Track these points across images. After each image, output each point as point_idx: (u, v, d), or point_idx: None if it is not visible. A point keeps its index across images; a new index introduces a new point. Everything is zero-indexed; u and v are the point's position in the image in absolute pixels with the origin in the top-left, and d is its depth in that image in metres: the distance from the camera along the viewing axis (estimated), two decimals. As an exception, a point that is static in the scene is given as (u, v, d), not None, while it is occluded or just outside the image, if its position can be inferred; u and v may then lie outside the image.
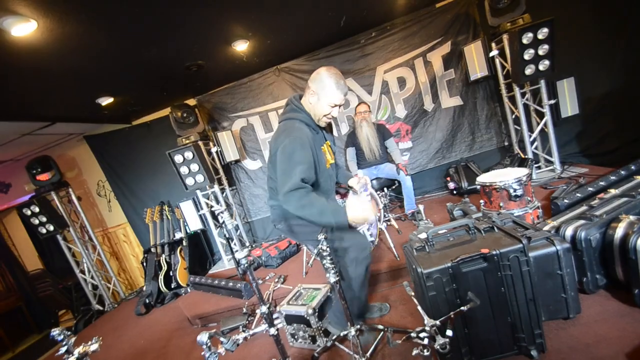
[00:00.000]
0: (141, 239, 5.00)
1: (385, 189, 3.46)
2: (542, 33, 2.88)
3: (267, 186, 1.90)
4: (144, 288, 4.15)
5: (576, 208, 2.07)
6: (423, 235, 1.70)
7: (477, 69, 3.49)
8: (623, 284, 1.69)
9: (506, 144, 3.91)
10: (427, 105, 3.98)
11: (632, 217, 1.69)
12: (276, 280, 3.07)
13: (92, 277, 4.64)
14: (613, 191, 2.07)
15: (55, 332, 1.32)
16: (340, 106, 1.69)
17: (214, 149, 4.05)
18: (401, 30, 3.80)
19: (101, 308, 4.61)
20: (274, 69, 4.10)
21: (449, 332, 1.12)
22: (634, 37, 3.17)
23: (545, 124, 3.29)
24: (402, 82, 3.97)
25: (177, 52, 2.88)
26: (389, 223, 3.37)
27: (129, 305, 4.42)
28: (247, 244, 4.40)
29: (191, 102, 4.30)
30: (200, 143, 3.83)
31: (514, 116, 3.57)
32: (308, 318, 2.08)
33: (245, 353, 2.35)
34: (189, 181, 3.72)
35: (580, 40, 3.38)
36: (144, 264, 4.28)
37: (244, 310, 2.79)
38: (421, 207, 3.21)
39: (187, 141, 3.81)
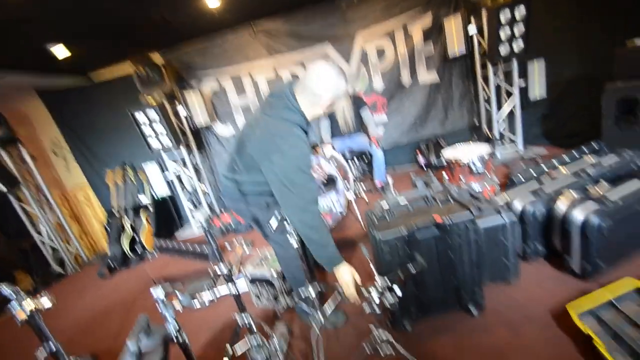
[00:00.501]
0: (104, 202, 4.79)
1: (356, 159, 3.50)
2: (520, 12, 2.89)
3: (229, 165, 1.67)
4: (108, 251, 4.05)
5: (530, 185, 2.20)
6: (385, 205, 1.75)
7: (456, 46, 3.47)
8: (559, 253, 1.86)
9: (476, 123, 4.02)
10: (405, 80, 3.96)
11: (575, 194, 1.82)
12: (244, 245, 3.09)
13: (50, 239, 4.46)
14: (563, 170, 2.22)
15: (2, 287, 1.26)
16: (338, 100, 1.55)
17: (182, 112, 3.84)
18: (384, -1, 3.66)
19: (62, 271, 4.47)
20: (249, 28, 3.85)
21: (398, 292, 1.19)
22: (607, 24, 3.26)
23: (513, 107, 3.40)
24: (381, 53, 3.89)
25: (138, 1, 2.60)
26: (358, 195, 3.45)
27: (92, 269, 4.31)
28: (217, 209, 4.35)
29: (158, 59, 3.99)
30: (166, 103, 3.61)
31: (485, 95, 3.65)
32: (272, 280, 2.14)
33: (211, 312, 2.40)
34: (154, 143, 3.55)
35: (555, 22, 3.43)
36: (107, 227, 4.14)
37: (210, 271, 2.82)
38: (390, 180, 3.29)
39: (152, 100, 3.57)
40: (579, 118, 3.53)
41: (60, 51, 3.13)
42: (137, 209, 4.16)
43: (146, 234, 4.00)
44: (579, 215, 1.67)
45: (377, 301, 1.27)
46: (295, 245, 1.63)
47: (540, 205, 1.88)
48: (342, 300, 1.65)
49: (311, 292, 1.81)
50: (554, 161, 2.49)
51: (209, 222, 1.25)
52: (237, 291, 1.44)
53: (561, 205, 1.81)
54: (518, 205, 1.94)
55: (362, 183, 3.73)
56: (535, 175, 2.42)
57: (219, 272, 1.44)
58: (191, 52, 3.99)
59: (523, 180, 2.41)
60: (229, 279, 1.43)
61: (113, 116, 4.25)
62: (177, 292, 1.29)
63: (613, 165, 2.10)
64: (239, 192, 1.65)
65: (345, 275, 1.43)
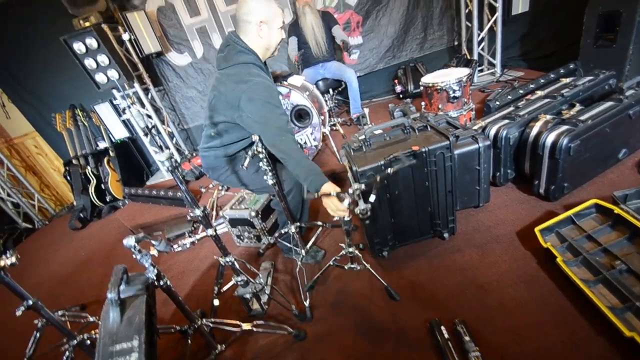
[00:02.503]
0: (58, 151, 4.38)
1: (331, 90, 3.29)
2: None
3: (205, 135, 1.67)
4: (75, 203, 3.86)
5: (505, 109, 2.18)
6: (362, 137, 1.67)
7: (438, -51, 3.04)
8: (528, 177, 1.94)
9: (456, 43, 3.79)
10: (382, -9, 3.51)
11: (548, 117, 1.82)
12: (220, 188, 3.01)
13: (8, 195, 4.15)
14: (539, 93, 2.18)
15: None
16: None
17: (125, 36, 3.27)
18: None
19: (30, 226, 4.30)
20: None
21: (372, 198, 1.16)
22: None
23: (494, 22, 3.18)
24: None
25: None
26: (333, 128, 3.32)
27: (62, 221, 4.17)
28: (187, 152, 4.12)
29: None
30: (105, 27, 3.04)
31: (467, 10, 3.36)
32: (252, 220, 2.13)
33: (194, 255, 2.43)
34: (100, 78, 3.09)
35: None
36: (68, 177, 3.87)
37: (188, 217, 2.77)
38: (366, 110, 3.16)
39: (87, 23, 2.99)
40: (558, 37, 3.39)
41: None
42: (97, 155, 3.85)
43: (112, 182, 3.79)
44: (549, 138, 1.69)
45: (347, 205, 1.24)
46: (271, 182, 1.58)
47: (513, 130, 1.88)
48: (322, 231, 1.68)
49: (292, 228, 1.84)
50: (531, 85, 2.44)
51: (173, 163, 1.13)
52: (217, 235, 1.40)
53: (534, 129, 1.81)
54: (492, 131, 1.93)
55: (337, 116, 3.58)
56: (511, 99, 2.39)
57: (194, 216, 1.39)
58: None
59: (499, 105, 2.38)
60: (206, 222, 1.38)
61: (43, 45, 3.59)
62: (151, 240, 1.23)
63: (587, 86, 2.09)
64: (223, 158, 1.67)
65: (328, 202, 1.37)
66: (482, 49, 3.50)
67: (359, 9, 3.59)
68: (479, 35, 3.34)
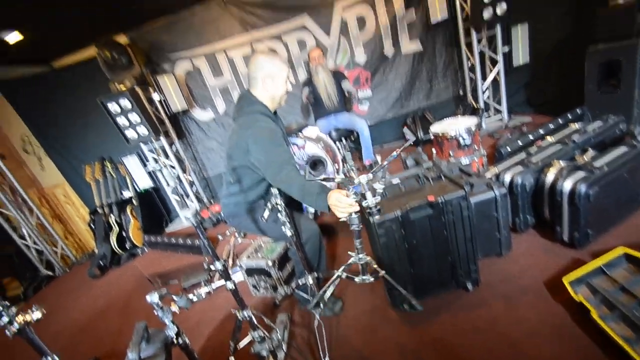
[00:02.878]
0: (85, 200, 4.61)
1: (343, 139, 3.43)
2: (502, -28, 2.77)
3: (225, 184, 1.85)
4: (96, 250, 3.96)
5: (517, 155, 2.21)
6: (378, 187, 1.72)
7: (438, 11, 3.35)
8: (549, 223, 1.90)
9: (461, 93, 3.97)
10: (387, 51, 3.81)
11: (562, 163, 1.84)
12: (237, 235, 3.05)
13: (34, 243, 4.31)
14: (549, 139, 2.23)
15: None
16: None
17: (155, 96, 3.60)
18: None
19: (51, 273, 4.36)
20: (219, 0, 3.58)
21: (380, 187, 1.34)
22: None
23: (497, 73, 3.36)
24: (361, 22, 3.70)
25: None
26: (347, 175, 3.41)
27: (81, 268, 4.23)
28: (205, 200, 4.26)
29: (123, 40, 3.69)
30: (138, 89, 3.37)
31: (469, 64, 3.58)
32: (268, 270, 2.13)
33: (210, 305, 2.40)
34: (130, 134, 3.35)
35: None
36: (92, 225, 4.01)
37: (205, 265, 2.78)
38: (379, 157, 3.26)
39: (122, 86, 3.34)
40: (562, 84, 3.53)
41: (13, 37, 2.85)
42: (121, 204, 4.02)
43: (134, 229, 3.90)
44: (567, 185, 1.69)
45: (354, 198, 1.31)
46: (289, 233, 1.62)
47: (529, 176, 1.89)
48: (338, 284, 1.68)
49: (309, 279, 1.82)
50: (540, 130, 2.50)
51: (197, 218, 1.20)
52: (235, 287, 1.41)
53: (549, 176, 1.82)
54: (507, 178, 1.95)
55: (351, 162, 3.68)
56: (521, 144, 2.44)
57: (214, 269, 1.41)
58: (157, 29, 3.69)
59: (510, 150, 2.42)
60: (226, 275, 1.40)
61: (82, 106, 3.97)
62: (172, 296, 1.26)
63: (597, 131, 2.12)
64: (243, 206, 1.79)
65: (335, 202, 1.37)
66: (488, 97, 3.64)
67: (367, 66, 3.89)
68: (482, 85, 3.50)
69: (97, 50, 3.25)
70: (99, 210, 4.02)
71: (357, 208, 1.34)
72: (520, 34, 3.22)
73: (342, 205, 1.32)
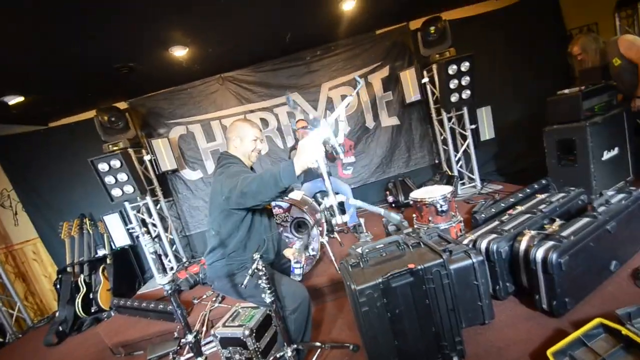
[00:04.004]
0: (55, 257, 4.34)
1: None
2: (465, 66, 3.25)
3: (208, 241, 1.91)
4: (57, 314, 3.60)
5: (491, 222, 2.33)
6: (359, 250, 1.76)
7: (412, 93, 3.80)
8: (527, 290, 1.93)
9: (437, 161, 4.30)
10: (369, 123, 4.20)
11: (532, 232, 1.95)
12: (214, 299, 2.89)
13: (-12, 304, 3.90)
14: (519, 208, 2.38)
15: None
16: (261, 140, 1.91)
17: (147, 157, 3.72)
18: (345, 52, 4.00)
19: (1, 339, 3.87)
20: (218, 77, 3.97)
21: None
22: (539, 71, 3.76)
23: (467, 146, 3.70)
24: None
25: (104, 52, 2.62)
26: (331, 236, 3.43)
27: (37, 334, 3.79)
28: (184, 259, 4.10)
29: (122, 105, 3.93)
30: (130, 151, 3.49)
31: (442, 137, 3.94)
32: (245, 340, 1.98)
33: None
34: (116, 192, 3.35)
35: (497, 74, 3.92)
36: (57, 285, 3.72)
37: (176, 334, 2.57)
38: (362, 220, 3.33)
39: (115, 148, 3.44)
40: (526, 156, 3.90)
41: (14, 100, 3.00)
42: (94, 262, 3.80)
43: (103, 291, 3.63)
44: (539, 253, 1.77)
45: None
46: (268, 300, 1.57)
47: (503, 244, 1.97)
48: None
49: (288, 352, 1.72)
50: (511, 199, 2.67)
51: (173, 287, 1.15)
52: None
53: (523, 244, 1.91)
54: (483, 245, 2.02)
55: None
56: (495, 212, 2.58)
57: (185, 341, 1.33)
58: (157, 96, 3.98)
59: (485, 217, 2.55)
60: (197, 350, 1.32)
61: (72, 163, 4.03)
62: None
63: (562, 202, 2.30)
64: (224, 265, 1.82)
65: (304, 158, 1.38)
66: (461, 167, 3.94)
67: (350, 136, 4.24)
68: (455, 156, 3.82)
69: (97, 114, 3.43)
70: (68, 269, 3.77)
71: (323, 149, 1.40)
72: (485, 114, 3.66)
73: (308, 147, 1.35)
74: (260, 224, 1.88)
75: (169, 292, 1.21)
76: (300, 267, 1.91)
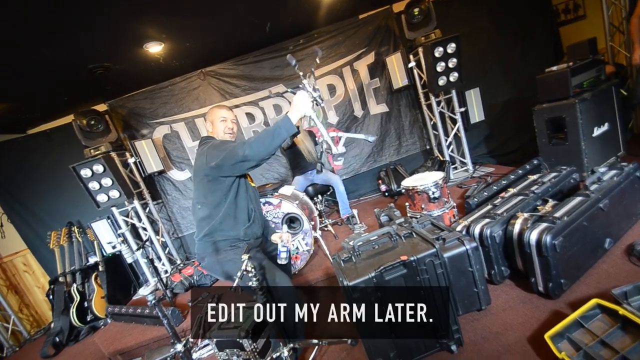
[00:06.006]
0: (47, 268, 4.25)
1: (320, 195, 3.48)
2: (451, 47, 3.17)
3: (195, 217, 1.89)
4: (52, 325, 3.54)
5: (484, 206, 2.30)
6: (351, 243, 1.71)
7: (399, 79, 3.72)
8: (523, 273, 1.92)
9: (427, 147, 4.25)
10: (357, 112, 4.12)
11: (525, 214, 1.92)
12: (209, 301, 2.85)
13: (-19, 320, 3.83)
14: (512, 190, 2.35)
15: None
16: (232, 120, 1.98)
17: (131, 160, 3.61)
18: (328, 39, 3.88)
19: None
20: (199, 72, 3.84)
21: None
22: (526, 51, 3.70)
23: (457, 129, 3.65)
24: (332, 89, 4.05)
25: (76, 53, 2.50)
26: (325, 229, 3.39)
27: (34, 346, 3.73)
28: (178, 262, 4.04)
29: (102, 107, 3.79)
30: (113, 154, 3.38)
31: (432, 122, 3.89)
32: (241, 341, 1.95)
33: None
34: (101, 198, 3.26)
35: (484, 54, 3.84)
36: (50, 296, 3.64)
37: (172, 339, 2.53)
38: (355, 211, 3.29)
39: (97, 152, 3.33)
40: (517, 136, 3.86)
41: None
42: (86, 270, 3.72)
43: (97, 299, 3.57)
44: (532, 236, 1.74)
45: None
46: (260, 301, 1.53)
47: (497, 228, 1.94)
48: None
49: (284, 352, 1.68)
50: (503, 181, 2.64)
51: (156, 297, 1.10)
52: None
53: (516, 227, 1.88)
54: (476, 230, 2.00)
55: (328, 217, 3.70)
56: (487, 196, 2.55)
57: (174, 351, 1.28)
58: (137, 96, 3.85)
59: (477, 201, 2.52)
60: (188, 358, 1.27)
61: (52, 171, 3.91)
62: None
63: (554, 182, 2.27)
64: (210, 242, 1.83)
65: (297, 110, 1.62)
66: (452, 151, 3.91)
67: (339, 125, 4.16)
68: (446, 140, 3.77)
69: (74, 118, 3.30)
70: (60, 279, 3.68)
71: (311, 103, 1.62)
72: (474, 96, 3.59)
73: (300, 102, 1.59)
74: (246, 192, 1.90)
75: (153, 302, 1.15)
76: (286, 251, 1.91)
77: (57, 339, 3.37)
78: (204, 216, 1.83)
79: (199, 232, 1.88)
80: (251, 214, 1.89)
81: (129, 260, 1.12)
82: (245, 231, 1.85)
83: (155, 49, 2.83)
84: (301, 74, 1.82)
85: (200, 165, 1.76)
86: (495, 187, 2.61)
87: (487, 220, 2.02)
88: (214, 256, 1.84)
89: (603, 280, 1.76)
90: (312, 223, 2.81)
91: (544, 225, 1.76)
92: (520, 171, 2.79)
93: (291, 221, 2.82)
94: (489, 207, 2.23)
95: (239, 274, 1.48)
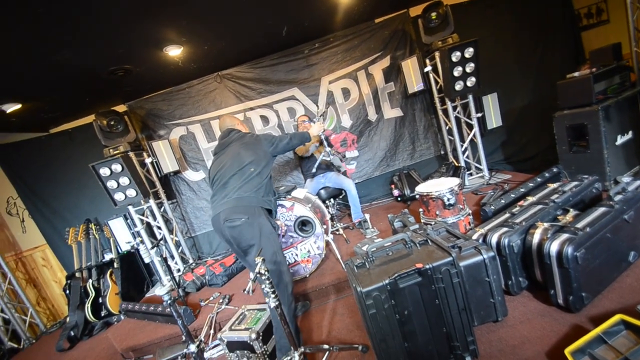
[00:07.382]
0: (64, 263, 4.38)
1: (332, 198, 3.47)
2: (469, 52, 3.12)
3: (244, 178, 2.06)
4: (68, 319, 3.63)
5: (501, 214, 2.25)
6: (365, 249, 1.70)
7: (414, 83, 3.68)
8: (542, 284, 1.86)
9: (442, 152, 4.18)
10: (371, 116, 4.10)
11: (545, 224, 1.86)
12: (220, 300, 2.87)
13: (1, 311, 3.95)
14: (530, 198, 2.29)
15: None
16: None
17: (148, 160, 3.69)
18: (343, 43, 3.88)
19: (16, 345, 3.93)
20: (215, 75, 3.90)
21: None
22: (546, 56, 3.61)
23: (474, 135, 3.58)
24: (346, 92, 4.05)
25: (98, 55, 2.58)
26: (337, 233, 3.37)
27: (50, 339, 3.83)
28: (191, 261, 4.09)
29: (121, 108, 3.90)
30: (131, 154, 3.46)
31: (447, 127, 3.83)
32: (251, 343, 1.96)
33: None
34: (119, 196, 3.34)
35: (502, 58, 3.77)
36: (67, 291, 3.75)
37: (183, 338, 2.56)
38: (367, 215, 3.26)
39: (116, 152, 3.42)
40: (535, 142, 3.77)
41: (12, 108, 2.98)
42: (101, 267, 3.82)
43: (111, 295, 3.65)
44: (553, 247, 1.69)
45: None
46: (272, 304, 1.53)
47: (515, 237, 1.90)
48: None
49: (295, 356, 1.68)
50: (521, 189, 2.58)
51: (172, 297, 1.12)
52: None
53: (536, 237, 1.83)
54: (494, 239, 1.95)
55: (340, 221, 3.68)
56: (505, 203, 2.49)
57: (187, 351, 1.30)
58: (155, 98, 3.93)
59: (494, 209, 2.46)
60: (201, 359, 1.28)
61: (73, 169, 4.03)
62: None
63: (575, 191, 2.20)
64: (263, 200, 2.08)
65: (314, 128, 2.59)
66: (467, 157, 3.83)
67: (353, 129, 4.14)
68: (462, 146, 3.70)
69: (95, 119, 3.40)
70: (77, 275, 3.79)
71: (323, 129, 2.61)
72: (491, 102, 3.52)
73: (317, 126, 2.57)
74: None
75: (168, 302, 1.16)
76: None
77: (72, 333, 3.46)
78: (256, 183, 2.08)
79: (248, 189, 2.03)
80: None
81: (147, 260, 1.14)
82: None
83: (174, 52, 2.89)
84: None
85: (259, 146, 2.19)
86: (512, 195, 2.55)
87: (504, 229, 1.97)
88: (262, 214, 2.03)
89: (627, 295, 1.69)
90: (324, 227, 2.81)
91: (565, 236, 1.71)
92: (539, 179, 2.72)
93: (303, 224, 2.82)
94: (507, 215, 2.18)
95: (251, 275, 1.48)
